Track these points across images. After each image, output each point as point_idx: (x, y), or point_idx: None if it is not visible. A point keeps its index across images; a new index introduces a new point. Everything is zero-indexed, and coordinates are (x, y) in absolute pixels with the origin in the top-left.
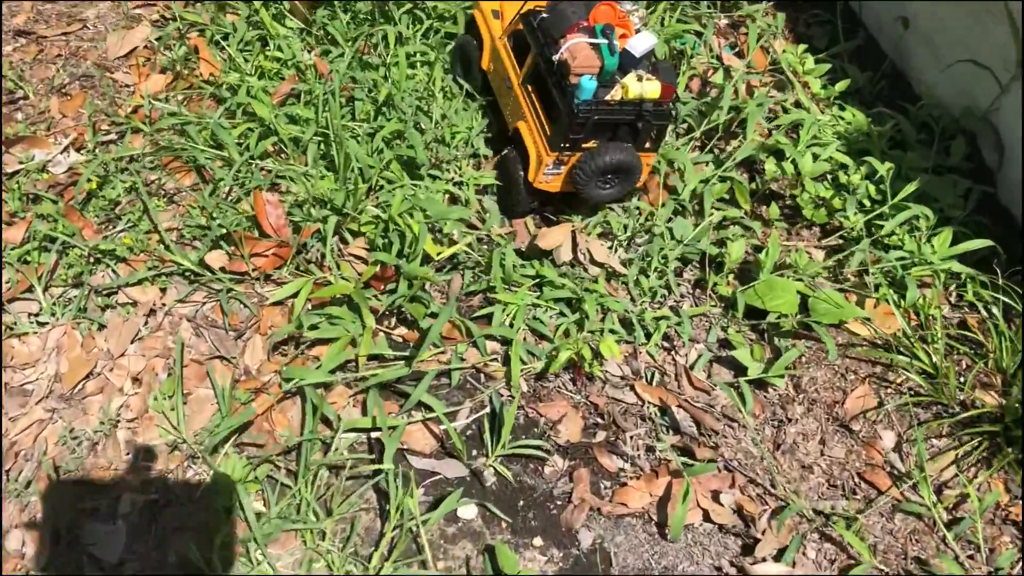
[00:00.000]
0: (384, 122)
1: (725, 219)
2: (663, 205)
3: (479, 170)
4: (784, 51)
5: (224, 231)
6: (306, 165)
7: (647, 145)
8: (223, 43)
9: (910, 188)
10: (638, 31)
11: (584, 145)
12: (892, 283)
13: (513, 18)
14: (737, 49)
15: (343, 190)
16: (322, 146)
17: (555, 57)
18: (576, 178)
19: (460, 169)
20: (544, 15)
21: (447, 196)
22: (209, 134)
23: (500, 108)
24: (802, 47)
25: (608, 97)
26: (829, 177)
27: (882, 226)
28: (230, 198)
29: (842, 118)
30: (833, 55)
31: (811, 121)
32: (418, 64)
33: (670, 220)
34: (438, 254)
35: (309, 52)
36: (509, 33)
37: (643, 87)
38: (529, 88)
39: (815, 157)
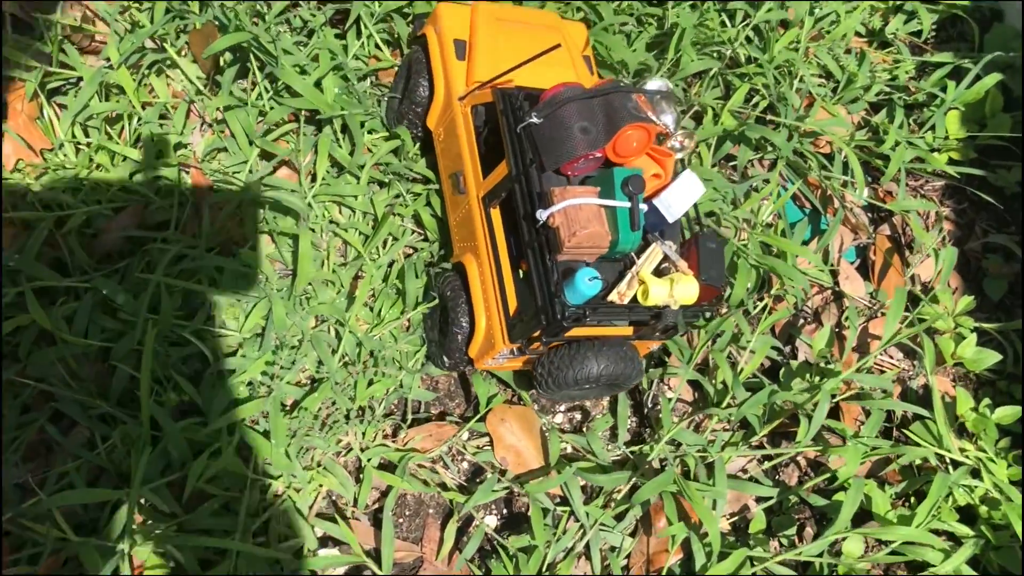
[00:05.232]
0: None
1: None
2: None
3: (395, 438)
4: (932, 295)
5: None
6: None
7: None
8: (54, 106)
9: None
10: (678, 172)
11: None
12: None
13: (484, 84)
14: (859, 257)
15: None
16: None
17: (542, 215)
18: (541, 381)
19: (364, 435)
20: (536, 118)
21: (319, 493)
22: None
23: (443, 200)
24: (965, 301)
25: (614, 295)
26: None
27: None
28: None
29: (988, 471)
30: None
31: (940, 485)
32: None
33: None
34: None
35: (201, 125)
36: (474, 104)
37: (672, 292)
38: (491, 210)
39: None
